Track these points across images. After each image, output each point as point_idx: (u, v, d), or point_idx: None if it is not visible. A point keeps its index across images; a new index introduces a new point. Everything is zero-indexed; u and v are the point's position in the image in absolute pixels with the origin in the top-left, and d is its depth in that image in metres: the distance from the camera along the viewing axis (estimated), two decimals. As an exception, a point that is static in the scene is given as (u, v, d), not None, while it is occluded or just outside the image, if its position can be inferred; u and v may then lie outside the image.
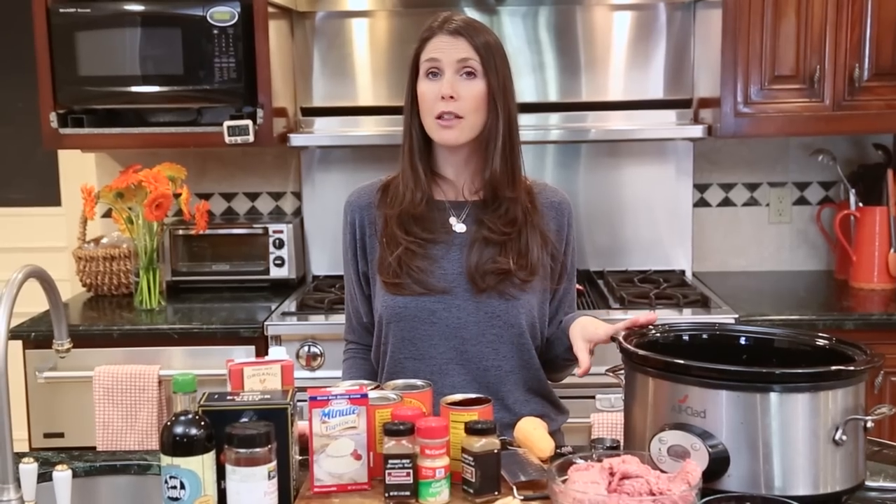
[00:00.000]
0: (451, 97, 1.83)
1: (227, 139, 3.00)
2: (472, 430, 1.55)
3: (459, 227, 1.93)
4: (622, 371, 1.65)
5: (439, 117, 1.84)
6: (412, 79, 1.90)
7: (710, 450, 1.45)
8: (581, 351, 1.79)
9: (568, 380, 2.10)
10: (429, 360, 1.90)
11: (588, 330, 1.81)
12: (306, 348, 2.80)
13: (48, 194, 3.85)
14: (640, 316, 1.74)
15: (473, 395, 1.68)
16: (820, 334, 1.68)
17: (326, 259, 3.41)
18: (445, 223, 1.93)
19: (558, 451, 1.68)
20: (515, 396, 1.92)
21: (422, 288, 1.88)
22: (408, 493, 1.53)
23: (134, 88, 3.00)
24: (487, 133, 1.87)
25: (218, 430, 1.45)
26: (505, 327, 1.89)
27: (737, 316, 2.79)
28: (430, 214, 1.92)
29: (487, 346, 1.90)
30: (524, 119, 3.30)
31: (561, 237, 1.97)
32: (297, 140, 3.21)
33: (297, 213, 3.45)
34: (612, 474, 1.42)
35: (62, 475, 1.56)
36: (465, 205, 1.95)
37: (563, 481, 1.42)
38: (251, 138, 3.00)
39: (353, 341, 2.07)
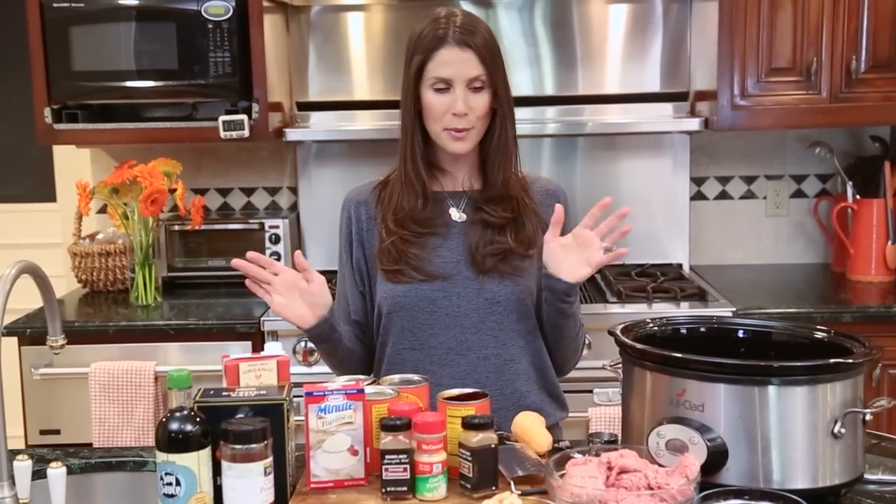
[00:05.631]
0: (465, 113, 1.86)
1: (223, 134, 2.99)
2: (469, 424, 1.54)
3: (459, 216, 1.94)
4: (620, 365, 1.65)
5: (454, 130, 1.87)
6: (415, 84, 1.88)
7: (708, 443, 1.44)
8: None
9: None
10: (429, 349, 1.91)
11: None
12: (303, 344, 2.79)
13: (43, 190, 3.85)
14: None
15: (470, 390, 1.67)
16: (818, 327, 1.67)
17: (323, 254, 3.39)
18: (444, 214, 1.94)
19: (556, 445, 1.68)
20: (515, 386, 1.92)
21: (421, 275, 1.89)
22: (405, 489, 1.53)
23: (128, 83, 2.99)
24: (496, 140, 1.91)
25: (214, 426, 1.44)
26: (505, 313, 1.90)
27: (734, 309, 2.78)
28: (429, 211, 1.93)
29: (487, 334, 1.90)
30: (520, 113, 3.31)
31: None
32: (292, 135, 3.20)
33: (294, 208, 3.44)
34: (610, 468, 1.42)
35: (56, 472, 1.55)
36: (463, 195, 1.96)
37: (561, 476, 1.41)
38: (246, 133, 2.99)
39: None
